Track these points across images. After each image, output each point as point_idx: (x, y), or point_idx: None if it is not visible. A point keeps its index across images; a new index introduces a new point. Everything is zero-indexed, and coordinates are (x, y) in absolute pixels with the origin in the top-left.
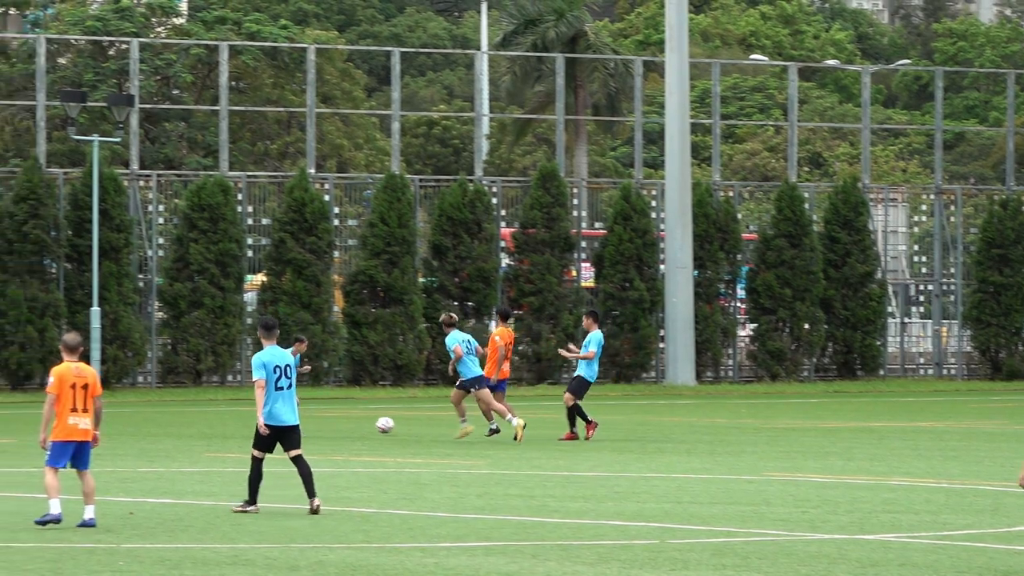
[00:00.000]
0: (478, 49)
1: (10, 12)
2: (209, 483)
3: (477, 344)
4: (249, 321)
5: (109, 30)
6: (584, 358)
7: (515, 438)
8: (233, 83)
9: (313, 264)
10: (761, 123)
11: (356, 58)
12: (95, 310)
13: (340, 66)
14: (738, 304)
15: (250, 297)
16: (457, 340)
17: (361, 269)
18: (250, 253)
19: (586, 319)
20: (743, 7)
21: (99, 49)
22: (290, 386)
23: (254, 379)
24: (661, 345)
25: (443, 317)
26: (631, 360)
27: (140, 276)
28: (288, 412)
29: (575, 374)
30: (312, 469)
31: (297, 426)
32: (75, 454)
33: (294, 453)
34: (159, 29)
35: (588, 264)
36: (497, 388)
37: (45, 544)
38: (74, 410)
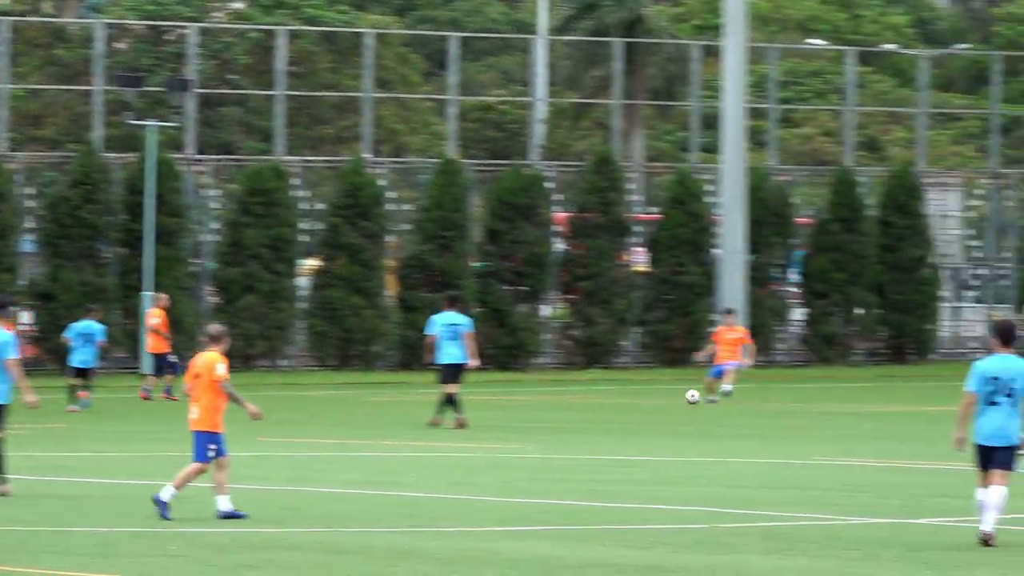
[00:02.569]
0: (535, 34)
1: None
2: (261, 467)
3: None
4: (303, 306)
5: (167, 15)
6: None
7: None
8: (290, 67)
9: (366, 249)
10: (818, 107)
11: (413, 43)
12: (146, 294)
13: (397, 50)
14: (791, 288)
15: (303, 282)
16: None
17: (414, 254)
18: (305, 238)
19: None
20: None
21: (156, 34)
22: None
23: None
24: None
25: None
26: (683, 345)
27: (194, 261)
28: None
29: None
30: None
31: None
32: (200, 444)
33: None
34: (217, 14)
35: (641, 249)
36: None
37: (94, 528)
38: (193, 400)
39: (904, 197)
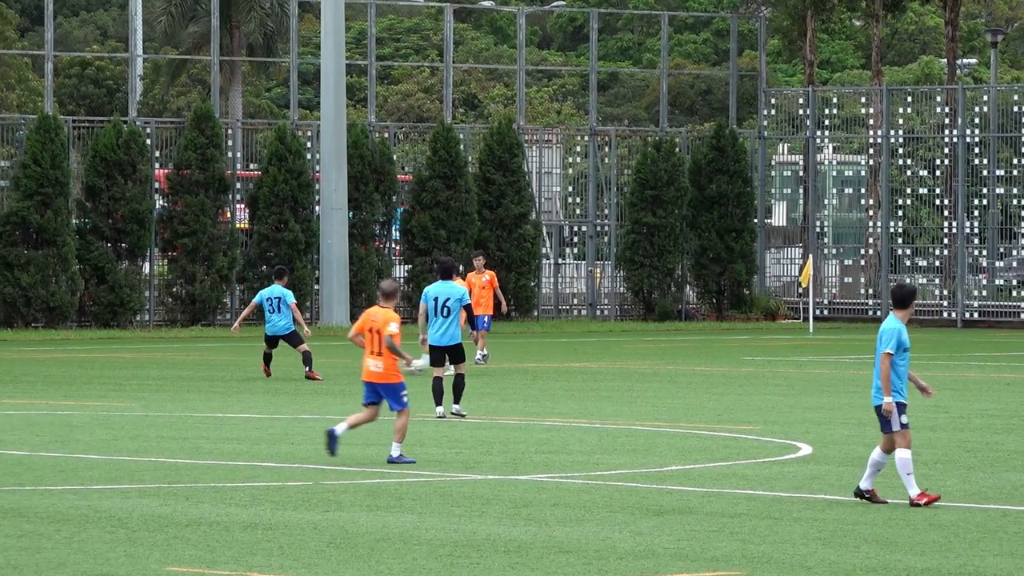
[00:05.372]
0: None
1: None
2: None
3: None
4: None
5: None
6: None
7: None
8: None
9: None
10: (417, 64)
11: None
12: None
13: None
14: (394, 245)
15: None
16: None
17: (14, 211)
18: None
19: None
20: None
21: None
22: None
23: None
24: (316, 287)
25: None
26: None
27: None
28: None
29: None
30: None
31: None
32: (380, 394)
33: None
34: None
35: (243, 205)
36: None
37: None
38: (371, 353)
39: (504, 154)
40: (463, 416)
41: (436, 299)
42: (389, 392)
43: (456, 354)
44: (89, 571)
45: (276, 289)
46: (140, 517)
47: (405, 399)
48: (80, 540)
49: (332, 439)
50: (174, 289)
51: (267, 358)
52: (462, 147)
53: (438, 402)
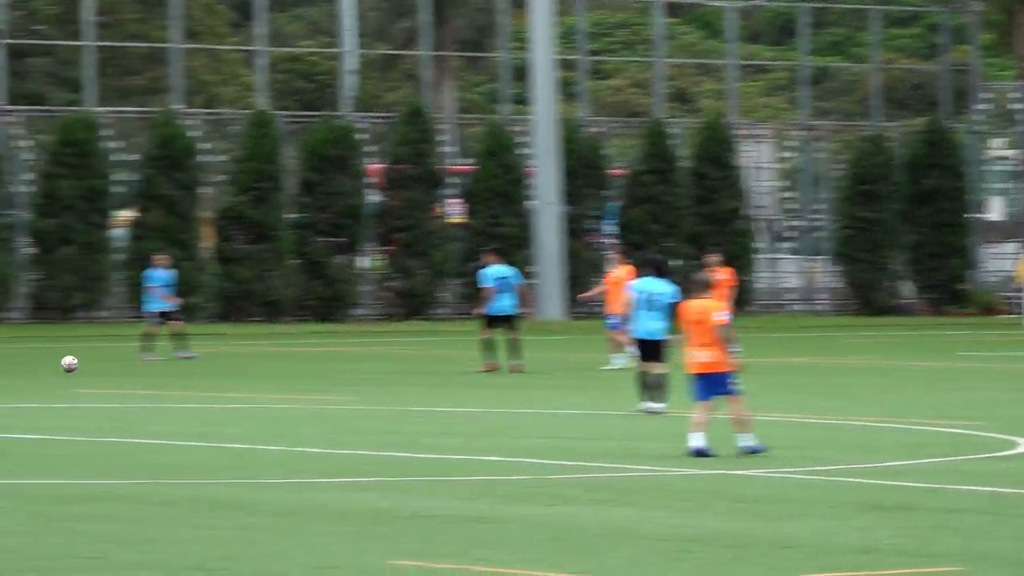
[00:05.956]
0: None
1: None
2: (83, 419)
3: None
4: (120, 257)
5: None
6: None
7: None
8: (97, 18)
9: (181, 200)
10: (627, 59)
11: None
12: None
13: (204, 1)
14: (607, 240)
15: (119, 233)
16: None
17: (230, 205)
18: (120, 189)
19: (485, 255)
20: None
21: None
22: None
23: None
24: (531, 282)
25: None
26: None
27: (7, 212)
28: None
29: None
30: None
31: None
32: (708, 386)
33: None
34: None
35: (456, 200)
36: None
37: None
38: (697, 345)
39: (717, 149)
40: (665, 413)
41: (645, 294)
42: (719, 381)
43: (662, 351)
44: (311, 564)
45: (502, 270)
46: (361, 511)
47: (735, 386)
48: (302, 533)
49: (703, 454)
50: (390, 283)
51: (491, 345)
52: (674, 141)
53: (646, 397)
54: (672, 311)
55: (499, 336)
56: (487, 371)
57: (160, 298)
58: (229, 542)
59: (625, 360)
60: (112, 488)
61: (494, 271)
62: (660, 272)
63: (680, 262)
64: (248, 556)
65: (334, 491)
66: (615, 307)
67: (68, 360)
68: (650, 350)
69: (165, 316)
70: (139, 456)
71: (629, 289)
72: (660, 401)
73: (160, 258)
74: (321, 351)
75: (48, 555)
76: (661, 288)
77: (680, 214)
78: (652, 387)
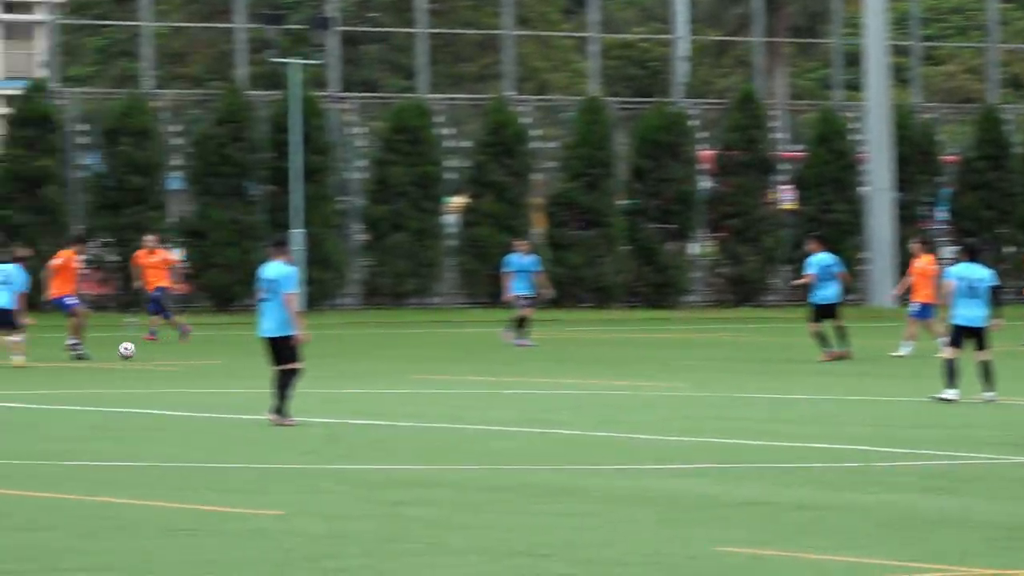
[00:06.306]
0: None
1: None
2: (415, 404)
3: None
4: (452, 243)
5: None
6: (802, 282)
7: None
8: (431, 5)
9: (513, 186)
10: (961, 45)
11: None
12: (297, 232)
13: None
14: (939, 227)
15: (451, 219)
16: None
17: (562, 191)
18: (451, 175)
19: (808, 242)
20: None
21: None
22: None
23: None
24: (862, 268)
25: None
26: None
27: (341, 199)
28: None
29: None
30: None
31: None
32: None
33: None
34: None
35: (788, 187)
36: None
37: (250, 464)
38: None
39: None
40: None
41: (966, 281)
42: None
43: (985, 338)
44: (639, 551)
45: (825, 257)
46: (689, 497)
47: None
48: (631, 520)
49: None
50: (721, 270)
51: (823, 336)
52: (1008, 128)
53: (951, 384)
54: (992, 296)
55: (826, 325)
56: (831, 360)
57: (529, 284)
58: (556, 528)
59: (910, 349)
60: (441, 474)
61: (817, 259)
62: (974, 257)
63: (1013, 249)
64: (576, 543)
65: (663, 478)
66: (920, 295)
67: (127, 347)
68: (972, 337)
69: (526, 300)
70: (468, 442)
71: (948, 276)
72: (990, 389)
73: (520, 244)
74: (651, 337)
75: (385, 538)
76: (980, 274)
77: (1014, 200)
78: (981, 376)
